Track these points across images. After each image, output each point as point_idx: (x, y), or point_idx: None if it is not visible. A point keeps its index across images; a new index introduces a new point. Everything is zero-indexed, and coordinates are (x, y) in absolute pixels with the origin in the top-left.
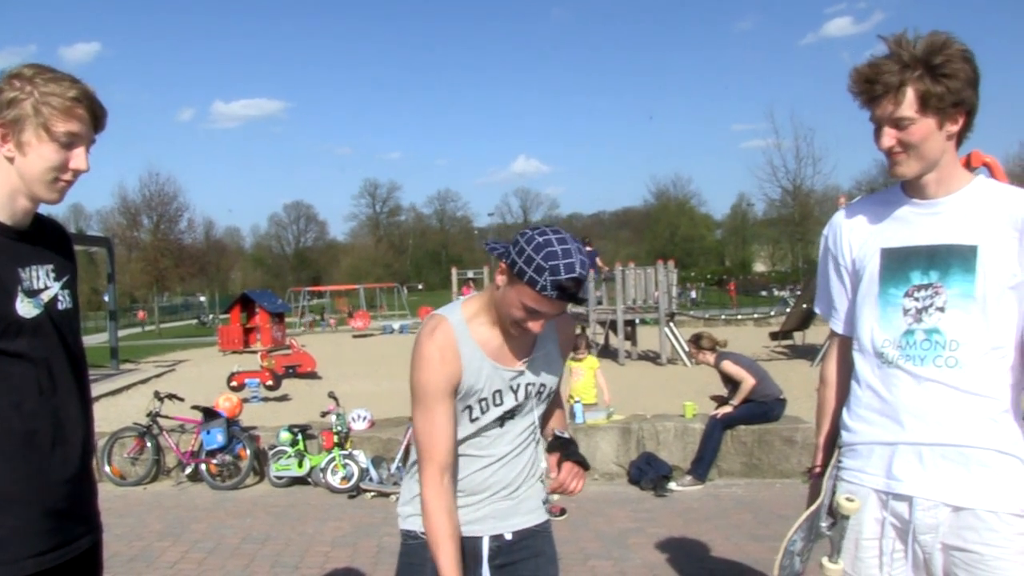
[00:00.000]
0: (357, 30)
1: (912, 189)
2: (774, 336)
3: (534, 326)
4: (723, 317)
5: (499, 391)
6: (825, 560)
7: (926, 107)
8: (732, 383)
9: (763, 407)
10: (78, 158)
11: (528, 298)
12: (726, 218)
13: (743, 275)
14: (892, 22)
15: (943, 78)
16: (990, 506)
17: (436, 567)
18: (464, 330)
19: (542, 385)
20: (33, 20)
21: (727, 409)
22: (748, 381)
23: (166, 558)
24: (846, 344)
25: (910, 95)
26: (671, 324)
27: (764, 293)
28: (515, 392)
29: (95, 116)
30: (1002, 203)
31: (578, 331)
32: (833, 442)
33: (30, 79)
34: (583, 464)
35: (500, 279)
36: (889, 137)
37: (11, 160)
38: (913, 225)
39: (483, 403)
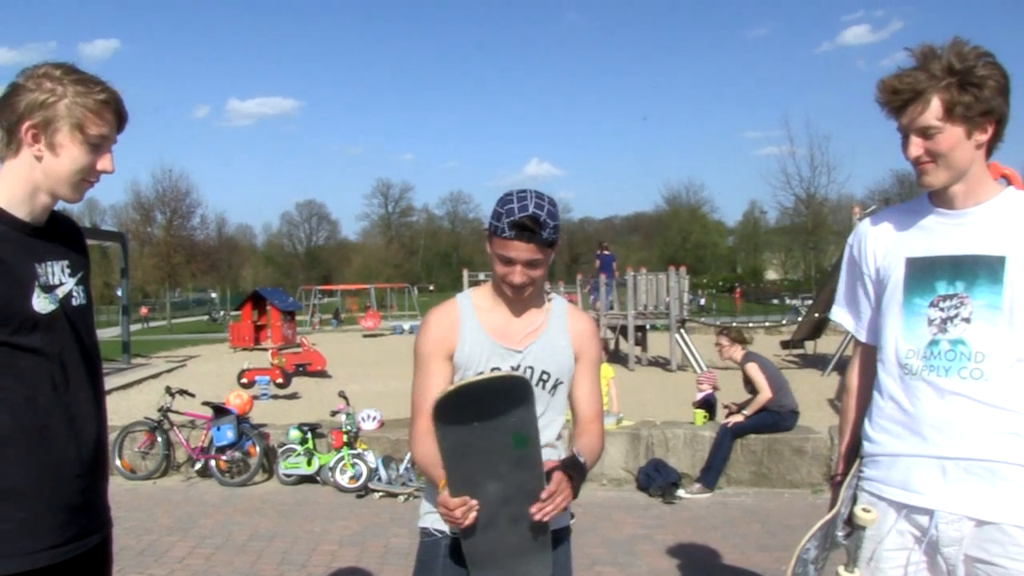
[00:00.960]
0: (371, 31)
1: (939, 199)
2: (785, 345)
3: (515, 276)
4: (734, 324)
5: (497, 368)
6: (842, 569)
7: (952, 116)
8: (751, 386)
9: (775, 417)
10: (105, 160)
11: (498, 247)
12: (738, 225)
13: (755, 283)
14: (909, 31)
15: (971, 87)
16: (1016, 521)
17: (433, 483)
18: (469, 306)
19: (544, 372)
20: (54, 17)
21: (738, 418)
22: (764, 393)
23: (174, 553)
24: (869, 352)
25: (935, 104)
26: (682, 330)
27: (775, 301)
28: (515, 372)
29: (120, 118)
30: None
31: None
32: (855, 451)
33: (59, 80)
34: (574, 480)
35: (488, 248)
36: (916, 146)
37: (39, 159)
38: (938, 235)
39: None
